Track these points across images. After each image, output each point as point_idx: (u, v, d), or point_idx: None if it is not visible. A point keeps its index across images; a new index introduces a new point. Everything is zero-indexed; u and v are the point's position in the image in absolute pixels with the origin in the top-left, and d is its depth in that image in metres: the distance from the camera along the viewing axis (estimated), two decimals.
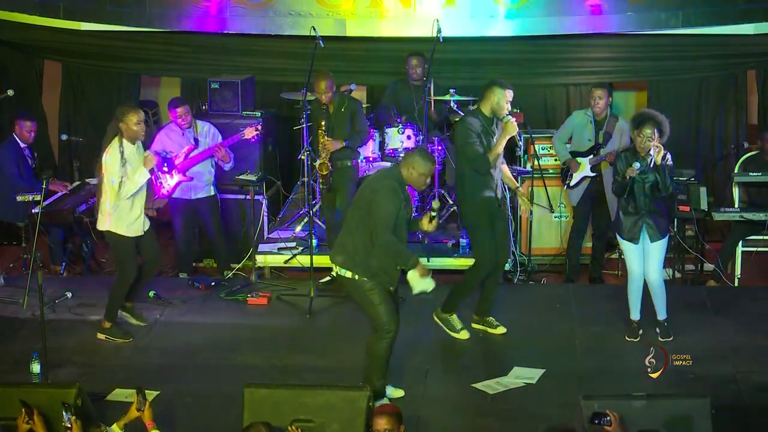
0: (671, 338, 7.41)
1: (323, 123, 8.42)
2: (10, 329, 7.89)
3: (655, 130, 7.12)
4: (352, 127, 8.48)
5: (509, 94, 7.36)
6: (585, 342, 7.55)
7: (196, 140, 8.80)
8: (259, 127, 8.90)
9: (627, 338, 7.52)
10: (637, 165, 7.16)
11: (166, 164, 8.63)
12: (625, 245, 7.42)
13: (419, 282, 6.35)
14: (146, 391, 5.68)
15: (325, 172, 8.47)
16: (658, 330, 7.48)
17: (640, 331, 7.52)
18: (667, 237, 7.41)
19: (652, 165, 7.16)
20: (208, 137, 8.86)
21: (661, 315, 7.48)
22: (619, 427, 5.23)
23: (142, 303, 8.29)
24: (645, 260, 7.37)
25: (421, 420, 6.41)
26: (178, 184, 8.70)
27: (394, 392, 6.66)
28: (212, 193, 9.00)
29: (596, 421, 5.28)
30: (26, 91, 10.67)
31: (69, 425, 5.35)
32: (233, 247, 9.24)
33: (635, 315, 7.55)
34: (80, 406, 5.92)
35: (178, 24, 10.18)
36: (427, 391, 6.74)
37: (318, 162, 8.48)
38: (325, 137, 8.41)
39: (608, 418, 5.24)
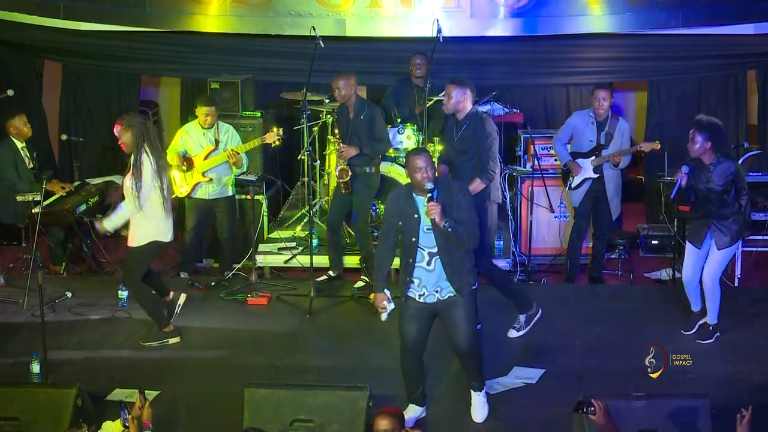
0: (710, 341, 7.36)
1: (337, 131, 8.31)
2: (10, 329, 7.89)
3: (695, 134, 7.02)
4: (372, 134, 8.33)
5: None
6: (585, 342, 7.54)
7: (216, 141, 8.75)
8: (282, 132, 8.78)
9: (682, 331, 7.50)
10: (685, 168, 7.13)
11: (185, 163, 8.63)
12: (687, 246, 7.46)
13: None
14: (146, 391, 5.71)
15: (347, 178, 8.34)
16: (701, 329, 7.49)
17: (699, 322, 7.47)
18: (725, 249, 7.23)
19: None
20: (228, 139, 8.82)
21: (709, 319, 7.43)
22: (603, 417, 5.23)
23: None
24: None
25: (421, 420, 6.41)
26: (197, 184, 8.70)
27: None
28: (230, 193, 8.95)
29: (580, 410, 5.29)
30: (26, 91, 10.66)
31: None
32: (235, 248, 9.22)
33: (693, 307, 7.51)
34: (80, 406, 5.94)
35: (178, 24, 10.17)
36: (427, 392, 6.73)
37: (338, 168, 8.34)
38: (340, 144, 8.34)
39: (593, 407, 5.24)
